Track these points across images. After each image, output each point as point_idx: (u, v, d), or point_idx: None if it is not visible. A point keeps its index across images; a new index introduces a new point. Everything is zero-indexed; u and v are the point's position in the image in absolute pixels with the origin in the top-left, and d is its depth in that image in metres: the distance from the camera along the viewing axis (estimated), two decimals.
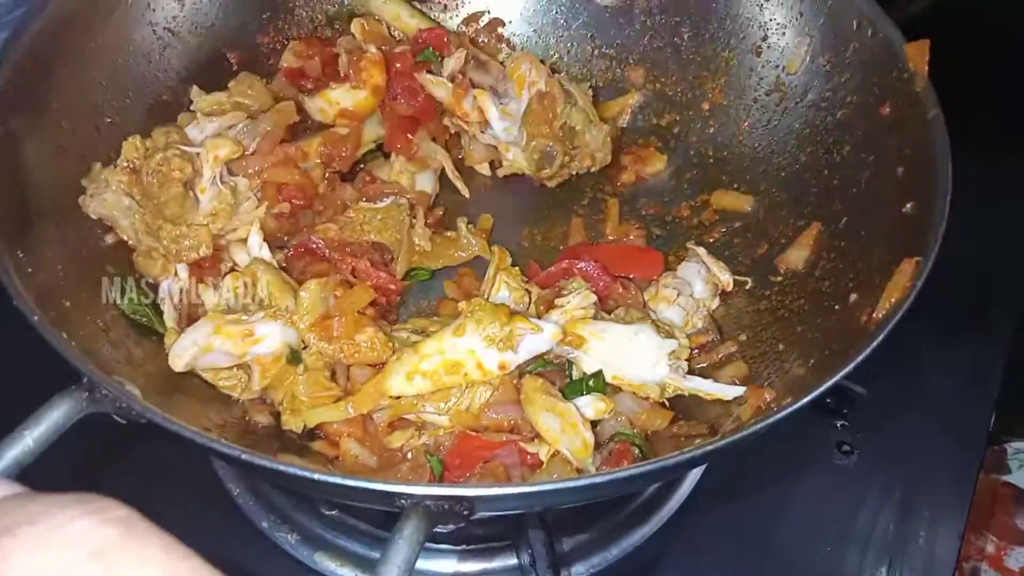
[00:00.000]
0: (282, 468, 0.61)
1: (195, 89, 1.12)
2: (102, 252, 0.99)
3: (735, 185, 1.18)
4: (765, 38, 1.17)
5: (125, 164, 1.00)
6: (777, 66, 1.17)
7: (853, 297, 0.92)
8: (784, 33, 1.16)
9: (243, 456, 0.61)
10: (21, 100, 0.93)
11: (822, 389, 0.70)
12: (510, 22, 1.30)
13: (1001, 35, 1.59)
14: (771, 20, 1.17)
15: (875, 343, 0.73)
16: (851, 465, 1.12)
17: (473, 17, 1.30)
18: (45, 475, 0.57)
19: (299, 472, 0.61)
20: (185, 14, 1.14)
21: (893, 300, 0.79)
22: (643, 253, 1.14)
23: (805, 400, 0.70)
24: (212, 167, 1.01)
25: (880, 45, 1.04)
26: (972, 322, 1.26)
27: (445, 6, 1.30)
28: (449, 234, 1.15)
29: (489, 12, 1.30)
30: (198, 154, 1.02)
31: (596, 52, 1.30)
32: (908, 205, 0.92)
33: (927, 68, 0.97)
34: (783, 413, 0.68)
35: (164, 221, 0.98)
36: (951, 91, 0.97)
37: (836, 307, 0.95)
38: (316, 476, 0.61)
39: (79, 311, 0.84)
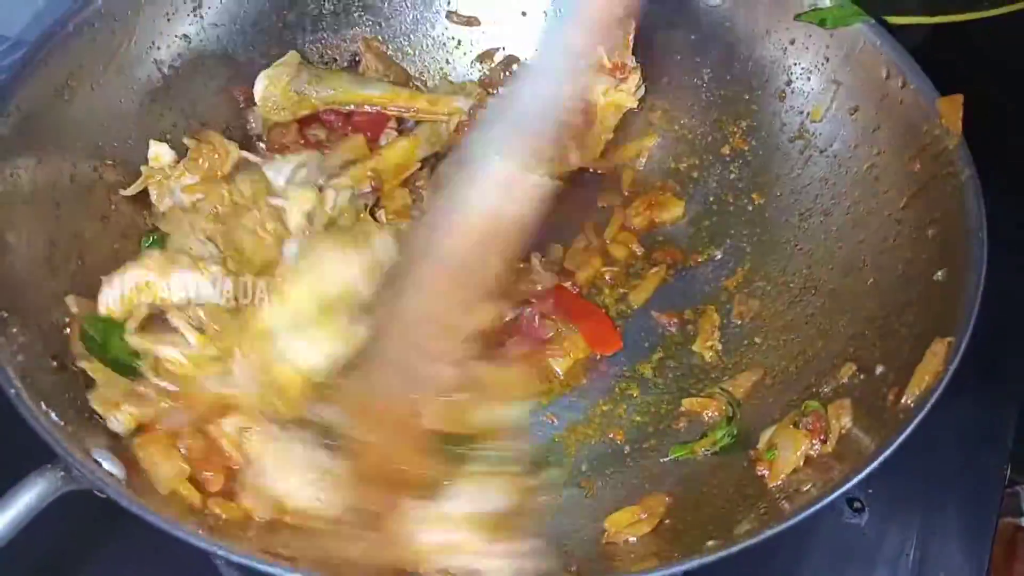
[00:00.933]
0: (270, 569, 0.57)
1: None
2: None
3: (755, 237, 1.14)
4: (789, 82, 1.12)
5: (210, 210, 0.98)
6: (801, 112, 1.12)
7: (880, 369, 0.87)
8: (809, 78, 1.11)
9: (232, 557, 0.57)
10: (19, 144, 0.90)
11: (852, 483, 0.64)
12: (525, 59, 1.25)
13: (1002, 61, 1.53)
14: (796, 64, 1.11)
15: (905, 435, 0.68)
16: (863, 524, 1.05)
17: (487, 55, 1.27)
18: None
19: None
20: (190, 51, 1.11)
21: (924, 385, 0.74)
22: (604, 331, 1.09)
23: (834, 494, 0.64)
24: (298, 223, 0.98)
25: (911, 96, 0.99)
26: (982, 368, 1.17)
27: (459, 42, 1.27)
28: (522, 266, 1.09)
29: (504, 48, 1.26)
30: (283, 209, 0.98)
31: None
32: (939, 272, 0.88)
33: (961, 124, 0.92)
34: (809, 511, 0.63)
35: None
36: None
37: (861, 376, 0.90)
38: None
39: (63, 376, 0.80)
